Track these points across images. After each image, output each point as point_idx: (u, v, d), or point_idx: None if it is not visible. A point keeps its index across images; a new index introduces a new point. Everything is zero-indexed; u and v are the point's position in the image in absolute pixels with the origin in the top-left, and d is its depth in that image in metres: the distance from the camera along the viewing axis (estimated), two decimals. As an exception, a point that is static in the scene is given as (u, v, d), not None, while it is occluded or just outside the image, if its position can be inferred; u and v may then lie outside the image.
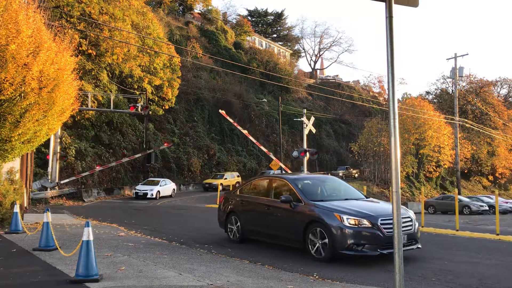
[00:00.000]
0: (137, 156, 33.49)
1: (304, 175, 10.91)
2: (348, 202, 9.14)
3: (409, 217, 8.64)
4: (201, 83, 49.80)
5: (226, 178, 38.28)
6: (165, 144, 36.46)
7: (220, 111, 30.01)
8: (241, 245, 10.30)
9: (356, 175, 54.03)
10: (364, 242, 8.05)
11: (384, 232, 8.05)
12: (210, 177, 40.08)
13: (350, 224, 8.11)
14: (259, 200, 10.09)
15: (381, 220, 8.18)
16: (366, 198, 9.96)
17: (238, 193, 11.08)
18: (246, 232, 10.30)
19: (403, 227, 8.14)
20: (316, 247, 8.44)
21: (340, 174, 49.90)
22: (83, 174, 29.14)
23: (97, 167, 30.39)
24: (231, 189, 30.34)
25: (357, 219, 8.14)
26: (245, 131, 30.74)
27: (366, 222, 8.12)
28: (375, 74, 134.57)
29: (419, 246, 8.76)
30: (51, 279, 6.44)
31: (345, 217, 8.20)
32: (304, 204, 8.89)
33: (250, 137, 31.47)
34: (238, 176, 40.75)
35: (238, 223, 10.49)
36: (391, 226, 7.83)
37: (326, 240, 8.23)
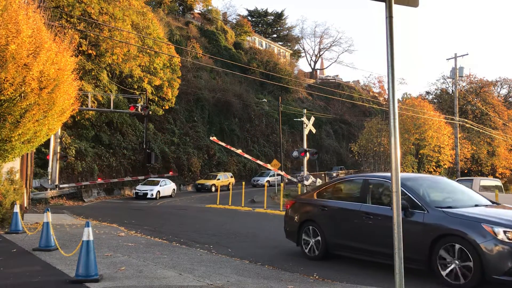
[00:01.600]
0: (140, 178, 33.71)
1: (410, 174, 8.62)
2: (486, 209, 7.27)
3: None
4: (201, 83, 49.80)
5: (219, 179, 38.02)
6: (170, 173, 37.62)
7: (211, 138, 30.04)
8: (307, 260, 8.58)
9: (343, 174, 54.24)
10: None
11: None
12: (203, 178, 39.87)
13: (509, 239, 6.12)
14: (351, 207, 8.09)
15: None
16: (497, 204, 8.09)
17: (315, 197, 9.06)
18: (332, 246, 8.33)
19: None
20: (450, 269, 6.46)
21: (334, 175, 50.25)
22: (84, 184, 29.04)
23: (98, 180, 30.54)
24: (229, 187, 30.32)
25: None
26: (239, 150, 31.29)
27: None
28: (375, 74, 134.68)
29: None
30: (51, 279, 6.44)
31: (500, 229, 6.19)
32: (426, 212, 6.93)
33: (245, 155, 31.78)
34: (231, 177, 40.42)
35: (319, 236, 8.53)
36: None
37: (470, 262, 6.27)
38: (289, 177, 32.87)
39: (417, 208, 7.08)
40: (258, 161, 32.02)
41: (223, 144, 31.47)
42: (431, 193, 7.65)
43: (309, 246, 8.74)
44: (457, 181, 16.81)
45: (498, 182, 20.86)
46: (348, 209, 8.13)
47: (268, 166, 31.78)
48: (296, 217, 9.22)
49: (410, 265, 6.88)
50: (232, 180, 39.67)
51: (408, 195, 7.29)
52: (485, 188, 16.54)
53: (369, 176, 8.55)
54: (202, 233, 12.79)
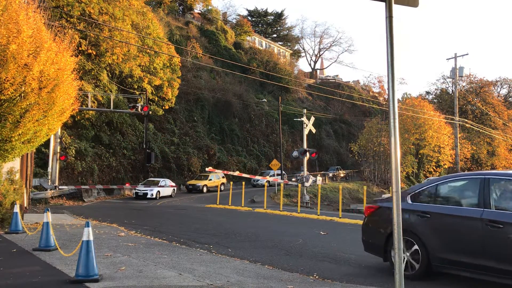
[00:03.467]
0: (140, 184, 33.72)
1: None
2: None
3: None
4: (201, 83, 49.80)
5: (211, 179, 37.42)
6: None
7: (207, 169, 30.00)
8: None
9: (342, 174, 54.32)
10: None
11: None
12: (195, 178, 39.25)
13: None
14: (467, 213, 6.51)
15: None
16: None
17: (409, 201, 7.29)
18: (437, 262, 6.70)
19: None
20: None
21: (330, 175, 50.37)
22: (83, 187, 28.95)
23: (98, 185, 30.58)
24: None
25: None
26: (236, 172, 31.92)
27: None
28: (375, 74, 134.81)
29: None
30: (51, 279, 6.45)
31: None
32: None
33: (243, 175, 32.22)
34: (223, 177, 39.83)
35: (418, 250, 6.92)
36: None
37: None
38: (289, 182, 33.05)
39: None
40: (257, 177, 32.45)
41: (220, 171, 31.82)
42: None
43: (404, 262, 7.02)
44: None
45: None
46: (463, 216, 6.51)
47: (267, 178, 32.05)
48: (381, 226, 7.50)
49: None
50: (224, 180, 38.75)
51: None
52: None
53: (491, 174, 6.70)
54: (202, 233, 12.80)
